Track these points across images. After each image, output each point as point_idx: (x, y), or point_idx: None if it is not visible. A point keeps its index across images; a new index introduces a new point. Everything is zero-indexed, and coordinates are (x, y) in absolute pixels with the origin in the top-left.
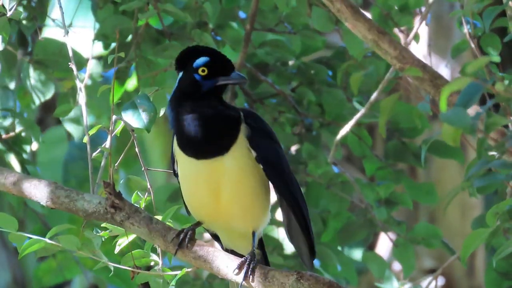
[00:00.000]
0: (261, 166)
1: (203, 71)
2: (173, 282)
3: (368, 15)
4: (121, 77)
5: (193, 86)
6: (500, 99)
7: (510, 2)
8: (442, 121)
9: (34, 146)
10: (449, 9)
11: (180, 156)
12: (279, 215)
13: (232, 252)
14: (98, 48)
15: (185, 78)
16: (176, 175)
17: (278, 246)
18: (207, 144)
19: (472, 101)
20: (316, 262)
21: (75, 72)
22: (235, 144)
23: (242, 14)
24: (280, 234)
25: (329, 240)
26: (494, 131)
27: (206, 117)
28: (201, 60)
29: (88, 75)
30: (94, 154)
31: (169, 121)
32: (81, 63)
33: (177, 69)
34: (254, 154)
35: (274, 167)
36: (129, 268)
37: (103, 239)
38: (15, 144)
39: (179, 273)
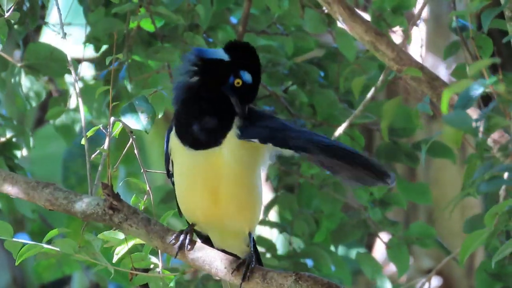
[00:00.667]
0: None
1: (238, 83)
2: (172, 284)
3: (366, 16)
4: (113, 79)
5: (220, 79)
6: (501, 100)
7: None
8: (445, 123)
9: (25, 152)
10: (447, 9)
11: (177, 149)
12: (272, 215)
13: (224, 251)
14: (90, 50)
15: (222, 67)
16: (170, 176)
17: (272, 247)
18: (203, 131)
19: (471, 102)
20: (309, 262)
21: (73, 75)
22: (228, 136)
23: (233, 20)
24: (273, 235)
25: (322, 240)
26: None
27: (208, 108)
28: (246, 78)
29: (80, 78)
30: (92, 156)
31: (174, 87)
32: (74, 66)
33: (225, 47)
34: (253, 141)
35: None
36: (127, 270)
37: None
38: (5, 150)
39: (177, 274)
